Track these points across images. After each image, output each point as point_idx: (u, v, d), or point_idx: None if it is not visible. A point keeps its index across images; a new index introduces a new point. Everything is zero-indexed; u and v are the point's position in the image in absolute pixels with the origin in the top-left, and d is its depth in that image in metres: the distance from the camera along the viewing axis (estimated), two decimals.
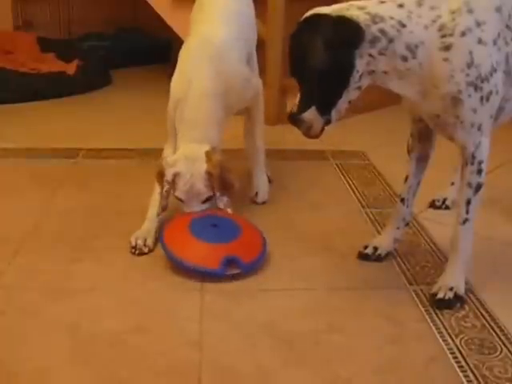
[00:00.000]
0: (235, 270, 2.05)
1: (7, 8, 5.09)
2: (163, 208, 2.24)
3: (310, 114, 1.84)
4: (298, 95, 1.86)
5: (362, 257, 2.19)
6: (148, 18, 4.70)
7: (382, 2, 1.78)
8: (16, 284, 2.01)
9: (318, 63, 1.74)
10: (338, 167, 3.06)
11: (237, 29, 2.52)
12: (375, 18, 1.74)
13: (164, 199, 2.23)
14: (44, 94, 4.21)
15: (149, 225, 2.27)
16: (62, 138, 3.44)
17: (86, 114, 4.02)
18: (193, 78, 2.31)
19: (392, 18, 1.74)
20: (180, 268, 2.06)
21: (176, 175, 2.21)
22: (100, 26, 5.52)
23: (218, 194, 2.23)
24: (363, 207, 2.64)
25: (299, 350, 1.73)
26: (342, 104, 1.83)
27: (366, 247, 2.20)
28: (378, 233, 2.34)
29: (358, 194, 2.76)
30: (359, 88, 1.82)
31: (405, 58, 1.76)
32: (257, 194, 2.60)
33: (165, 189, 2.22)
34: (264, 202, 2.59)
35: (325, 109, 1.83)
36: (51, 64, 4.61)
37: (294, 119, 1.88)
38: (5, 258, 2.14)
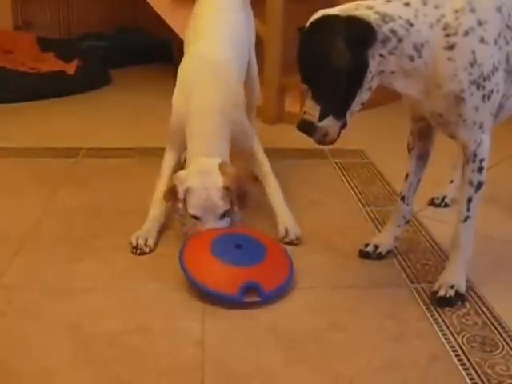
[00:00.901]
0: (254, 297, 1.90)
1: (7, 8, 5.08)
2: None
3: (327, 120, 1.81)
4: (308, 102, 1.82)
5: (363, 255, 2.19)
6: (148, 17, 4.70)
7: (389, 1, 1.77)
8: (17, 284, 2.01)
9: (341, 64, 1.70)
10: (338, 166, 3.06)
11: (234, 49, 2.51)
12: (385, 18, 1.73)
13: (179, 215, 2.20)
14: (44, 94, 4.21)
15: (150, 225, 2.26)
16: (61, 138, 3.44)
17: (85, 113, 4.02)
18: (195, 94, 2.28)
19: (400, 17, 1.74)
20: (197, 289, 1.95)
21: (188, 190, 2.13)
22: (99, 25, 5.52)
23: (235, 208, 2.17)
24: (363, 205, 2.64)
25: (301, 349, 1.73)
26: (356, 106, 1.81)
27: (366, 245, 2.20)
28: (379, 231, 2.34)
29: (357, 193, 2.76)
30: (370, 89, 1.80)
31: (412, 58, 1.76)
32: (287, 230, 2.30)
33: (178, 206, 2.15)
34: (298, 239, 2.29)
35: (341, 112, 1.81)
36: (51, 64, 4.61)
37: (307, 128, 1.83)
38: (5, 258, 2.14)
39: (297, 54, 1.82)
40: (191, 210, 2.14)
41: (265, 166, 2.41)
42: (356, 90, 1.77)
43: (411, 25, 1.74)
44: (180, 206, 2.14)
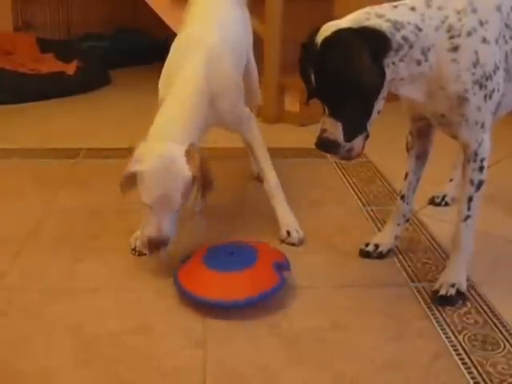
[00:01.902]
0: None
1: (7, 9, 5.09)
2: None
3: None
4: (327, 119, 1.76)
5: (364, 254, 2.19)
6: (147, 18, 4.70)
7: (395, 7, 1.75)
8: (18, 285, 2.01)
9: (370, 80, 1.68)
10: (338, 165, 3.06)
11: (231, 34, 2.36)
12: (396, 25, 1.71)
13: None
14: (44, 95, 4.22)
15: None
16: (62, 138, 3.45)
17: (85, 113, 4.03)
18: (181, 72, 2.12)
19: (409, 22, 1.72)
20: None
21: (142, 174, 1.93)
22: (99, 26, 5.53)
23: (195, 198, 1.99)
24: (363, 205, 2.64)
25: (303, 349, 1.73)
26: (375, 115, 1.79)
27: (367, 245, 2.20)
28: (379, 230, 2.34)
29: (357, 192, 2.76)
30: (384, 98, 1.78)
31: (419, 62, 1.75)
32: (289, 232, 2.28)
33: (120, 188, 2.00)
34: (301, 241, 2.28)
35: (365, 126, 1.79)
36: (51, 64, 4.62)
37: (331, 147, 1.78)
38: (6, 258, 2.14)
39: (301, 71, 1.79)
40: (145, 198, 1.96)
41: (263, 162, 2.32)
42: (374, 101, 1.75)
43: (419, 29, 1.72)
44: (123, 187, 1.98)
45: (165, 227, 1.96)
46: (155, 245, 1.96)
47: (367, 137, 1.82)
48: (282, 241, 2.27)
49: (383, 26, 1.70)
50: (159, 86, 2.22)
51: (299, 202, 2.57)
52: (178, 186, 1.93)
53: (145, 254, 2.16)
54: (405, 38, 1.71)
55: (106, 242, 2.27)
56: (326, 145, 1.79)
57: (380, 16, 1.72)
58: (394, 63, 1.73)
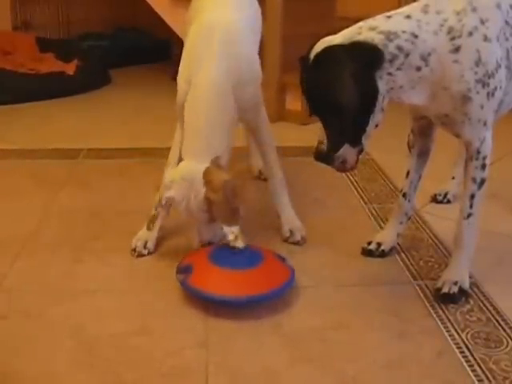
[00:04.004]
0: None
1: (6, 8, 5.09)
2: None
3: (343, 149, 1.79)
4: (321, 131, 1.79)
5: (366, 253, 2.19)
6: (147, 17, 4.70)
7: (389, 17, 1.75)
8: (18, 287, 2.01)
9: (349, 98, 1.68)
10: None
11: (245, 13, 2.27)
12: (389, 36, 1.70)
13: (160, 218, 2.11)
14: (44, 95, 4.22)
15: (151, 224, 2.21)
16: (62, 139, 3.45)
17: (85, 113, 4.03)
18: (202, 67, 2.03)
19: (404, 31, 1.72)
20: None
21: (170, 200, 1.98)
22: (99, 25, 5.54)
23: (220, 221, 1.97)
24: (365, 203, 2.64)
25: (305, 348, 1.72)
26: (371, 129, 1.78)
27: (369, 243, 2.20)
28: (381, 228, 2.34)
29: (359, 190, 2.76)
30: (382, 109, 1.77)
31: (419, 68, 1.74)
32: (291, 231, 2.27)
33: (160, 213, 2.08)
34: (305, 240, 2.27)
35: (357, 139, 1.79)
36: (50, 64, 4.62)
37: (324, 158, 1.81)
38: (7, 260, 2.14)
39: (301, 85, 1.80)
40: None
41: (272, 154, 2.27)
42: (369, 116, 1.75)
43: (416, 37, 1.72)
44: (163, 212, 2.06)
45: (205, 234, 2.04)
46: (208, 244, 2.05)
47: (361, 151, 1.81)
48: (285, 239, 2.27)
49: (375, 38, 1.70)
50: (178, 80, 2.13)
51: (301, 200, 2.56)
52: (198, 208, 1.95)
53: (144, 255, 2.17)
54: (399, 48, 1.71)
55: (106, 243, 2.26)
56: (320, 156, 1.81)
57: (373, 28, 1.72)
58: (389, 73, 1.72)
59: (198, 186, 1.92)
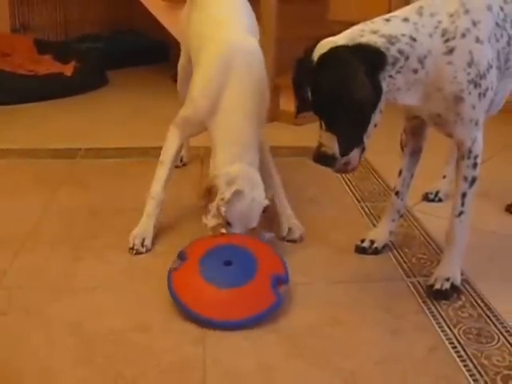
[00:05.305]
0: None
1: (5, 10, 5.11)
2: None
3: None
4: (323, 133, 1.79)
5: (359, 250, 2.22)
6: (143, 19, 4.72)
7: (388, 20, 1.77)
8: (18, 284, 2.02)
9: (367, 97, 1.69)
10: None
11: (253, 30, 2.41)
12: (391, 40, 1.73)
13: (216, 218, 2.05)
14: (42, 96, 4.23)
15: (147, 221, 2.25)
16: (60, 139, 3.46)
17: (83, 114, 4.04)
18: (230, 90, 2.13)
19: (403, 34, 1.74)
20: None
21: (236, 194, 2.01)
22: (96, 27, 5.56)
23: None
24: (358, 201, 2.66)
25: (301, 344, 1.74)
26: (371, 129, 1.80)
27: (362, 241, 2.23)
28: (374, 226, 2.36)
29: (352, 189, 2.79)
30: (380, 110, 1.80)
31: (416, 71, 1.77)
32: (290, 230, 2.29)
33: (219, 207, 2.02)
34: (303, 238, 2.30)
35: (361, 140, 1.80)
36: (48, 66, 4.64)
37: (327, 161, 1.80)
38: (6, 258, 2.15)
39: (294, 86, 1.82)
40: (229, 215, 2.04)
41: (269, 157, 2.34)
42: (371, 116, 1.76)
43: (414, 40, 1.74)
44: (223, 205, 2.01)
45: (238, 229, 2.08)
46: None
47: (363, 150, 1.83)
48: (283, 237, 2.29)
49: (378, 41, 1.72)
50: (198, 94, 2.22)
51: (295, 199, 2.58)
52: (257, 210, 2.07)
53: (142, 253, 2.20)
54: (400, 51, 1.73)
55: (105, 241, 2.28)
56: (322, 159, 1.81)
57: (374, 32, 1.74)
58: (391, 76, 1.75)
59: (262, 190, 2.07)
